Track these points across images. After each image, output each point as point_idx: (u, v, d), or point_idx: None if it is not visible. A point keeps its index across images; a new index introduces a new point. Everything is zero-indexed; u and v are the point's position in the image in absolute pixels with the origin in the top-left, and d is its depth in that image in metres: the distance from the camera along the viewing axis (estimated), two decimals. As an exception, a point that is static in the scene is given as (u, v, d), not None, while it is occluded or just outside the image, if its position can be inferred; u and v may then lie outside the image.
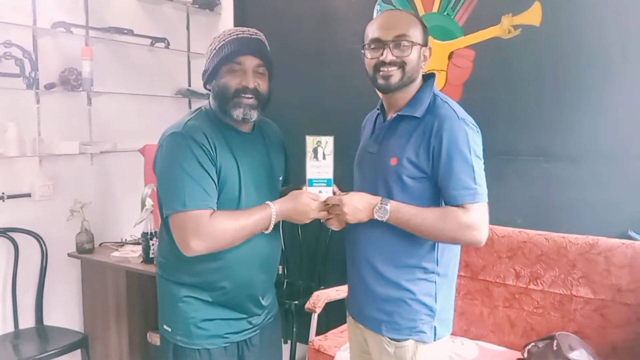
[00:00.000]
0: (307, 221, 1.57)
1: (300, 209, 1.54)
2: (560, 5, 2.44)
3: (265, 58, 1.58)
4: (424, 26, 1.57)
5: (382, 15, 1.59)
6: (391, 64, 1.52)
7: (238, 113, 1.55)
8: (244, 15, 3.56)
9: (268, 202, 1.54)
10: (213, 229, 1.46)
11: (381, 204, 1.48)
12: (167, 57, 3.43)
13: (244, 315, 1.65)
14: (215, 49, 1.57)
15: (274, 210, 1.53)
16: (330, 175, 1.56)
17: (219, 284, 1.58)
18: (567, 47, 2.44)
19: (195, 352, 1.59)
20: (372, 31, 1.55)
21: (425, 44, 1.56)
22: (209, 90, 1.61)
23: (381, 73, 1.53)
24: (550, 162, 2.50)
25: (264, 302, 1.69)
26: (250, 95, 1.55)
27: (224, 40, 1.56)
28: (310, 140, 1.56)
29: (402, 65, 1.52)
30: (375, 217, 1.49)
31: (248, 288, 1.63)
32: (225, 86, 1.55)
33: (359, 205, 1.50)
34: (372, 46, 1.54)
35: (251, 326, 1.68)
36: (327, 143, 1.56)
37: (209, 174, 1.49)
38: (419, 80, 1.58)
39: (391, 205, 1.48)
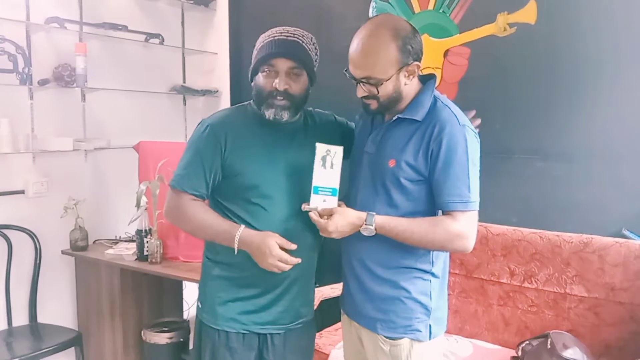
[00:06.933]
0: (264, 265, 1.54)
1: (262, 249, 1.53)
2: (556, 4, 2.44)
3: (298, 59, 1.58)
4: (404, 45, 1.46)
5: (355, 44, 1.50)
6: (365, 97, 1.53)
7: (270, 114, 1.60)
8: (238, 11, 3.54)
9: (242, 225, 1.57)
10: (179, 211, 1.64)
11: (366, 225, 1.48)
12: (161, 53, 3.41)
13: (265, 302, 1.65)
14: (257, 49, 1.63)
15: (238, 235, 1.55)
16: (336, 185, 1.55)
17: (246, 264, 1.61)
18: (562, 45, 2.44)
19: (215, 332, 1.67)
20: (349, 59, 1.52)
21: (405, 65, 1.48)
22: (253, 88, 1.67)
23: (362, 100, 1.55)
24: (544, 161, 2.51)
25: (285, 298, 1.67)
26: (281, 97, 1.58)
27: (263, 42, 1.62)
28: (320, 148, 1.56)
29: (375, 97, 1.51)
30: (363, 234, 1.50)
31: (269, 277, 1.62)
32: (259, 87, 1.61)
33: (345, 229, 1.50)
34: (349, 75, 1.53)
35: (272, 319, 1.66)
36: (336, 153, 1.56)
37: (202, 162, 1.60)
38: (416, 85, 1.55)
39: (376, 223, 1.48)
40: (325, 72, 3.00)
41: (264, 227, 1.59)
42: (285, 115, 1.60)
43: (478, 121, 1.71)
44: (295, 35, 1.61)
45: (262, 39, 1.62)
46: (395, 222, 1.49)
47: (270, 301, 1.66)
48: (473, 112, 1.71)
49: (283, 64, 1.58)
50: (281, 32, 1.61)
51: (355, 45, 1.50)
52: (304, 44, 1.61)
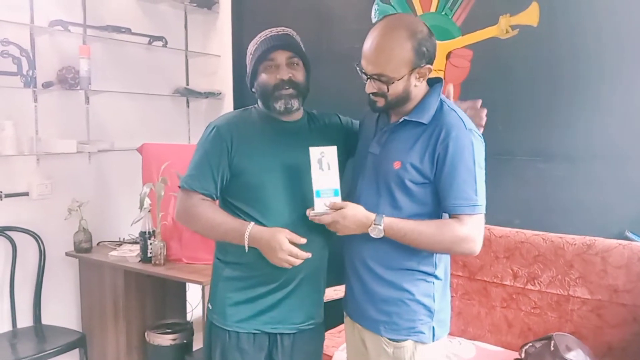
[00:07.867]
0: (275, 261, 1.55)
1: (272, 244, 1.53)
2: (558, 6, 2.45)
3: (295, 49, 1.66)
4: (419, 47, 1.46)
5: (370, 40, 1.50)
6: (374, 94, 1.53)
7: (280, 105, 1.64)
8: (241, 14, 3.55)
9: (251, 222, 1.59)
10: (189, 212, 1.66)
11: (375, 224, 1.49)
12: (164, 56, 3.42)
13: (275, 301, 1.66)
14: (251, 53, 1.70)
15: (248, 232, 1.56)
16: (337, 185, 1.56)
17: (256, 263, 1.62)
18: (565, 47, 2.44)
19: (225, 333, 1.68)
20: (362, 54, 1.52)
21: (418, 66, 1.48)
22: (254, 92, 1.72)
23: (369, 96, 1.56)
24: (547, 163, 2.51)
25: (296, 296, 1.67)
26: (287, 87, 1.63)
27: (256, 43, 1.69)
28: (314, 152, 1.56)
29: (383, 95, 1.52)
30: (371, 235, 1.50)
31: (279, 275, 1.63)
32: (264, 84, 1.65)
33: (351, 225, 1.51)
34: (360, 70, 1.54)
35: (283, 317, 1.67)
36: (331, 153, 1.57)
37: (209, 163, 1.64)
38: (423, 87, 1.56)
39: (385, 224, 1.48)
40: (326, 72, 3.05)
41: (273, 224, 1.60)
42: (295, 104, 1.65)
43: (484, 111, 1.70)
44: (284, 31, 1.70)
45: (255, 42, 1.69)
46: (402, 224, 1.49)
47: (280, 299, 1.66)
48: (479, 102, 1.71)
49: (281, 56, 1.64)
50: (271, 31, 1.69)
51: (370, 40, 1.50)
52: (293, 37, 1.70)
